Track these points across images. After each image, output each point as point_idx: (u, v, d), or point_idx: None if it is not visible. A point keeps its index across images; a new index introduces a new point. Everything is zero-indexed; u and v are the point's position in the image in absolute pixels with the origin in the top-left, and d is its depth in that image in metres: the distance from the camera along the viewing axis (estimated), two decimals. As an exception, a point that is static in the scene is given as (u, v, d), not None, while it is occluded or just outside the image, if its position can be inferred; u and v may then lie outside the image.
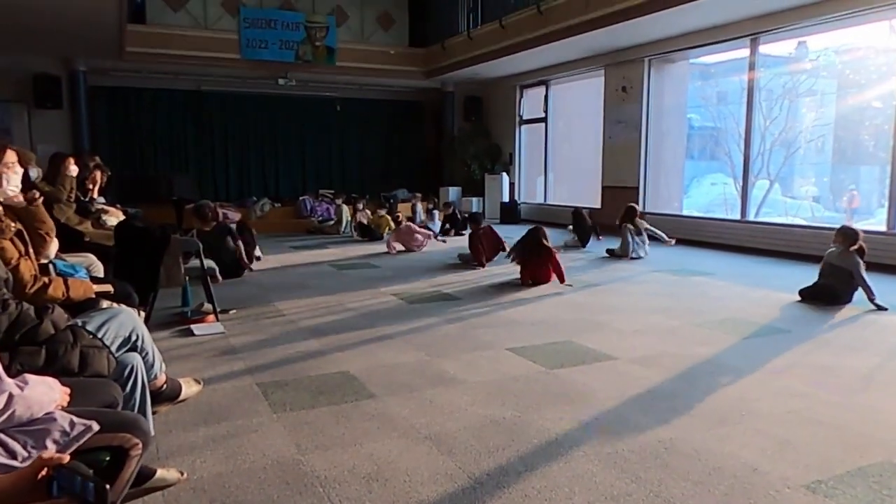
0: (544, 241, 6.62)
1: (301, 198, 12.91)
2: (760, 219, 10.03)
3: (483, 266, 7.67)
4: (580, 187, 13.02)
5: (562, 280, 6.48)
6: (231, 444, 2.78)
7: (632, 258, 8.21)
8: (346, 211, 11.60)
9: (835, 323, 4.97)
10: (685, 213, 11.17)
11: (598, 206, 11.89)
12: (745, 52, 9.17)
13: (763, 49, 9.17)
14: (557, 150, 14.01)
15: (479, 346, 4.31)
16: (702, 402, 3.25)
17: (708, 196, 15.67)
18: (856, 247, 5.57)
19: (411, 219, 11.48)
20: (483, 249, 7.79)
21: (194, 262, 4.94)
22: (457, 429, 2.93)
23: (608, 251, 8.55)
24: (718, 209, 12.99)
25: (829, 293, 5.58)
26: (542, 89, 13.62)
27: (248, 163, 14.61)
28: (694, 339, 4.50)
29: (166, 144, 13.79)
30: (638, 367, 3.84)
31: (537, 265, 6.60)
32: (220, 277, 5.26)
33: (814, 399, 3.30)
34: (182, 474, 2.45)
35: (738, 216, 9.65)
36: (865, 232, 8.14)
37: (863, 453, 2.68)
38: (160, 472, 2.37)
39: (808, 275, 7.16)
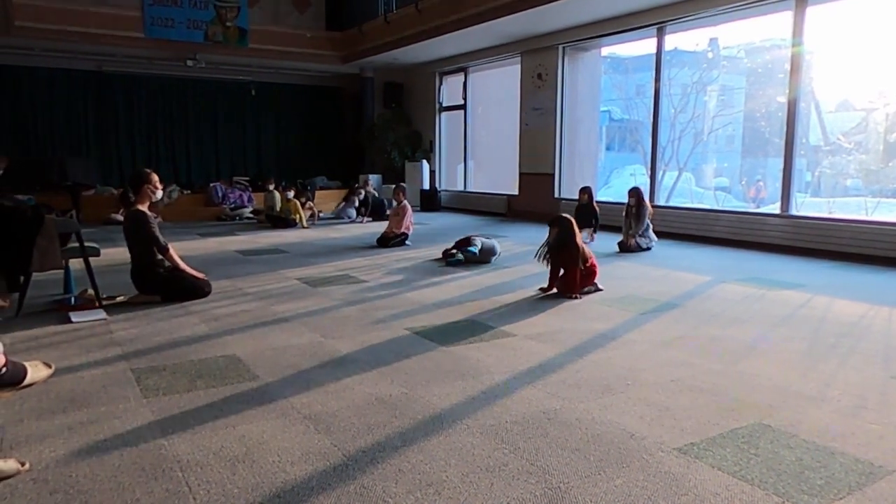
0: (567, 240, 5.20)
1: (212, 184, 12.40)
2: (666, 203, 10.35)
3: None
4: (500, 174, 13.07)
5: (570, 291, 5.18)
6: (88, 431, 2.56)
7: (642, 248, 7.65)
8: (277, 197, 10.97)
9: (726, 298, 5.13)
10: (599, 199, 11.39)
11: (516, 192, 12.00)
12: (655, 43, 9.39)
13: (675, 44, 9.41)
14: (477, 138, 14.03)
15: (378, 327, 4.20)
16: (590, 374, 3.26)
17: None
18: None
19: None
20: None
21: (73, 244, 4.60)
22: (339, 408, 2.82)
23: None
24: (636, 199, 13.30)
25: None
26: (462, 76, 13.59)
27: (155, 148, 13.93)
28: (592, 315, 4.55)
29: (64, 128, 12.96)
30: (534, 343, 3.83)
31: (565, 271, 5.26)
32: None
33: (697, 368, 3.37)
34: (23, 464, 2.23)
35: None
36: (763, 215, 8.63)
37: (737, 416, 2.74)
38: (-5, 463, 2.15)
39: (707, 255, 7.49)
